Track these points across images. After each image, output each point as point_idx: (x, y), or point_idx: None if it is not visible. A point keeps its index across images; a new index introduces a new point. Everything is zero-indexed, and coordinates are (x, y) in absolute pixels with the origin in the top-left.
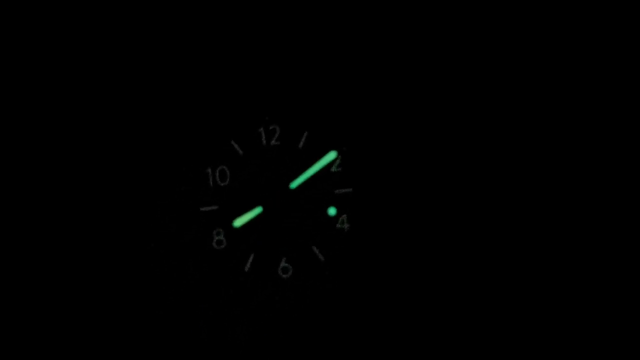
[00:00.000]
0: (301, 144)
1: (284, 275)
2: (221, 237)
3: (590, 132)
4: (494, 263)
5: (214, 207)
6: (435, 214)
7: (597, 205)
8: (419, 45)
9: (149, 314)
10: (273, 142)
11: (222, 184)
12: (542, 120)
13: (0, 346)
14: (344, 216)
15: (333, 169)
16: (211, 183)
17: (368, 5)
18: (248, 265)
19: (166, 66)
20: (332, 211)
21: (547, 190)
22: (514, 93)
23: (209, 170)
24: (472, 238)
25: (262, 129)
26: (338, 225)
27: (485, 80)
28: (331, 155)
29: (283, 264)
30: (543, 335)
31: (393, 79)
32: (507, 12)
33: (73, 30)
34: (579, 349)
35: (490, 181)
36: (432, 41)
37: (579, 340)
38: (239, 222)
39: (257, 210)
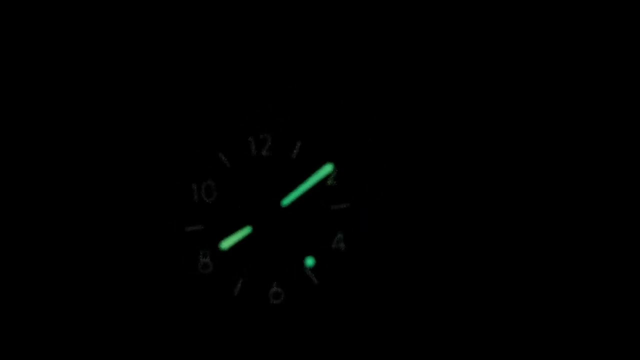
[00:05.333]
0: (294, 154)
1: (275, 301)
2: (207, 260)
3: (596, 132)
4: (495, 283)
5: (200, 227)
6: (438, 231)
7: (608, 206)
8: (418, 49)
9: (132, 340)
10: (264, 152)
11: (208, 201)
12: (535, 127)
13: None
14: (340, 235)
15: (329, 182)
16: (196, 199)
17: (363, 11)
18: (237, 290)
19: (149, 71)
20: (309, 262)
21: (538, 197)
22: (510, 107)
23: (194, 186)
24: (478, 259)
25: (251, 139)
26: (333, 245)
27: (481, 91)
28: (327, 168)
29: (274, 288)
30: (546, 338)
31: (393, 83)
32: (499, 16)
33: (55, 37)
34: (582, 349)
35: (492, 194)
36: (429, 48)
37: (582, 341)
38: (226, 243)
39: (247, 230)
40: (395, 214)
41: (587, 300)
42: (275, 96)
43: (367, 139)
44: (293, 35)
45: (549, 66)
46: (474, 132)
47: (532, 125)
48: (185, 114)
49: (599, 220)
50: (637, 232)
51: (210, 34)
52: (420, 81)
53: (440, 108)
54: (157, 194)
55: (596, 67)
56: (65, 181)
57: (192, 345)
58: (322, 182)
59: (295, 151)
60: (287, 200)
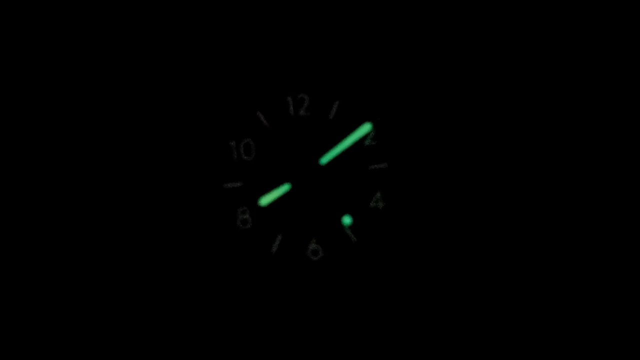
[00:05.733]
0: (332, 114)
1: (314, 258)
2: (246, 216)
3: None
4: (525, 243)
5: (239, 184)
6: (476, 189)
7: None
8: (463, 8)
9: (170, 297)
10: (301, 112)
11: (247, 159)
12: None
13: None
14: (379, 194)
15: (367, 142)
16: (235, 157)
17: None
18: (275, 246)
19: (185, 37)
20: (347, 220)
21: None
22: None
23: (233, 144)
24: (515, 223)
25: (289, 98)
26: (372, 204)
27: (524, 49)
28: (365, 128)
29: (312, 245)
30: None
31: (433, 41)
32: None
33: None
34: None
35: (529, 153)
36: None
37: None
38: (265, 200)
39: (285, 188)
40: (431, 174)
41: (587, 299)
42: (313, 57)
43: (406, 98)
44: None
45: (561, 64)
46: (521, 89)
47: (561, 111)
48: (225, 74)
49: (599, 220)
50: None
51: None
52: (464, 43)
53: (476, 69)
54: (197, 151)
55: (596, 65)
56: (114, 137)
57: (230, 300)
58: (360, 142)
59: (332, 111)
60: (325, 159)
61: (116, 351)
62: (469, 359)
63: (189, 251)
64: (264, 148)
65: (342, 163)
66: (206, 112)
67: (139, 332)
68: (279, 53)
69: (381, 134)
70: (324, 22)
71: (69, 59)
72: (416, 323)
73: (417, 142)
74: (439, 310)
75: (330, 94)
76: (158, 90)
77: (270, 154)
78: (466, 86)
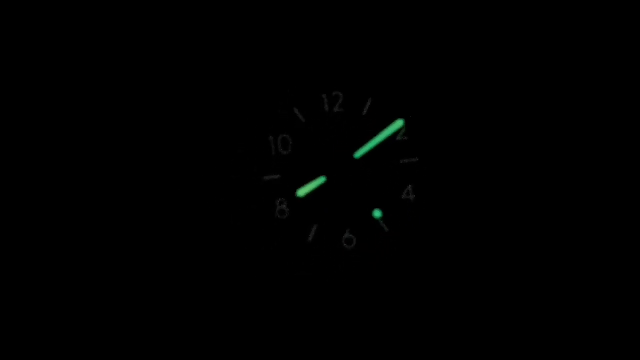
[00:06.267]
0: (365, 111)
1: (348, 247)
2: (284, 207)
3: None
4: (553, 238)
5: (277, 177)
6: (505, 184)
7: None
8: (496, 5)
9: (212, 285)
10: (336, 109)
11: (285, 153)
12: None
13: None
14: (410, 187)
15: (399, 137)
16: (273, 152)
17: None
18: (311, 235)
19: (226, 37)
20: (377, 214)
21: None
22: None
23: (271, 139)
24: (542, 218)
25: (325, 96)
26: (404, 196)
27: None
28: (398, 124)
29: (347, 235)
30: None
31: (463, 40)
32: None
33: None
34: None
35: (559, 149)
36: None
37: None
38: (302, 191)
39: (321, 180)
40: (460, 169)
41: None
42: (347, 56)
43: (436, 95)
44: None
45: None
46: (554, 86)
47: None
48: (264, 74)
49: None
50: None
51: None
52: (493, 41)
53: (508, 65)
54: (238, 146)
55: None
56: (157, 131)
57: (270, 287)
58: (393, 137)
59: (366, 108)
60: (359, 153)
61: (151, 338)
62: (496, 346)
63: (230, 240)
64: (301, 143)
65: (375, 157)
66: (246, 110)
67: (183, 316)
68: (314, 53)
69: (412, 130)
70: (358, 21)
71: (100, 59)
72: (446, 311)
73: (447, 138)
74: (468, 301)
75: (364, 92)
76: (201, 88)
77: (307, 148)
78: (497, 83)
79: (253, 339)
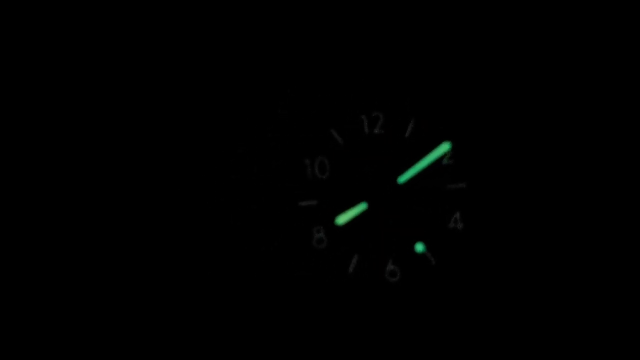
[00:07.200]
0: (408, 132)
1: (392, 279)
2: (322, 235)
3: None
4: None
5: (313, 202)
6: (556, 211)
7: None
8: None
9: (245, 316)
10: (376, 130)
11: (322, 177)
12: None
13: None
14: (457, 214)
15: (444, 161)
16: (309, 175)
17: None
18: (352, 266)
19: (258, 52)
20: (419, 247)
21: None
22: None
23: (307, 162)
24: (596, 243)
25: (364, 116)
26: (451, 225)
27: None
28: (444, 147)
29: (390, 266)
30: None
31: (511, 61)
32: None
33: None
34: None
35: (610, 179)
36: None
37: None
38: (342, 219)
39: (362, 206)
40: (510, 195)
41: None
42: (388, 74)
43: (483, 117)
44: (404, 12)
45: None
46: (599, 110)
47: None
48: (299, 92)
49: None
50: None
51: (326, 10)
52: (539, 63)
53: (554, 88)
54: (271, 169)
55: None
56: (192, 154)
57: (306, 320)
58: (438, 161)
59: (408, 129)
60: (403, 178)
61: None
62: None
63: (265, 270)
64: (338, 166)
65: (419, 182)
66: (281, 130)
67: (213, 348)
68: (353, 71)
69: (459, 153)
70: (399, 38)
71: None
72: (495, 349)
73: (496, 161)
74: (519, 338)
75: (405, 112)
76: (236, 108)
77: (345, 172)
78: (544, 106)
79: None
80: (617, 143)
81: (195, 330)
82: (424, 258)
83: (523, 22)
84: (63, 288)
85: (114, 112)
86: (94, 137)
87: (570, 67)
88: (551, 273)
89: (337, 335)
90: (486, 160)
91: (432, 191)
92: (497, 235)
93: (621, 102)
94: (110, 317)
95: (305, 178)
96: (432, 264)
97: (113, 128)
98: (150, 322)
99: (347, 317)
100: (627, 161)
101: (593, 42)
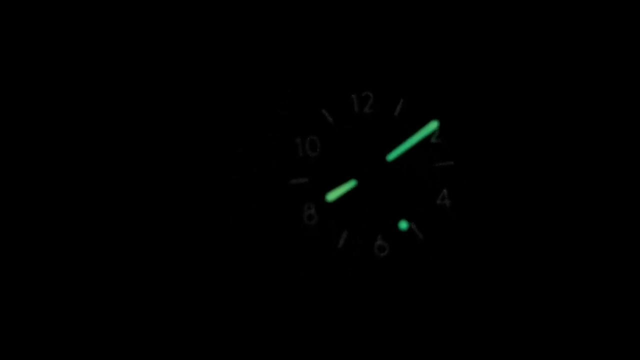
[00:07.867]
0: (397, 111)
1: (380, 254)
2: (312, 212)
3: None
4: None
5: (304, 180)
6: (544, 186)
7: None
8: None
9: (236, 292)
10: (366, 109)
11: (313, 155)
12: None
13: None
14: (445, 191)
15: (433, 139)
16: (300, 154)
17: None
18: (341, 242)
19: (249, 32)
20: (403, 225)
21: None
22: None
23: (298, 140)
24: (583, 222)
25: (354, 96)
26: (438, 201)
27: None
28: (432, 126)
29: (379, 241)
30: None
31: (499, 39)
32: None
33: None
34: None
35: (598, 153)
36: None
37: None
38: (332, 195)
39: (351, 184)
40: (497, 172)
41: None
42: (377, 54)
43: (472, 95)
44: None
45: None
46: (593, 86)
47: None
48: (290, 73)
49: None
50: None
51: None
52: (531, 38)
53: (545, 66)
54: (264, 148)
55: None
56: (180, 134)
57: (298, 295)
58: (427, 139)
59: (398, 108)
60: (392, 156)
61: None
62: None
63: (256, 247)
64: (329, 145)
65: (408, 160)
66: (272, 110)
67: (206, 323)
68: (343, 51)
69: (447, 132)
70: (388, 17)
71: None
72: (483, 319)
73: (483, 140)
74: (507, 309)
75: (395, 92)
76: (226, 89)
77: (336, 150)
78: (532, 84)
79: (278, 346)
80: (605, 118)
81: (186, 302)
82: (412, 233)
83: (511, 3)
84: (63, 287)
85: (107, 104)
86: (89, 133)
87: (556, 44)
88: (538, 250)
89: (327, 308)
90: (473, 138)
91: (421, 169)
92: (484, 211)
93: (610, 79)
94: (101, 303)
95: (296, 156)
96: (420, 239)
97: (105, 119)
98: (141, 297)
99: (337, 291)
100: (617, 137)
101: (582, 19)
